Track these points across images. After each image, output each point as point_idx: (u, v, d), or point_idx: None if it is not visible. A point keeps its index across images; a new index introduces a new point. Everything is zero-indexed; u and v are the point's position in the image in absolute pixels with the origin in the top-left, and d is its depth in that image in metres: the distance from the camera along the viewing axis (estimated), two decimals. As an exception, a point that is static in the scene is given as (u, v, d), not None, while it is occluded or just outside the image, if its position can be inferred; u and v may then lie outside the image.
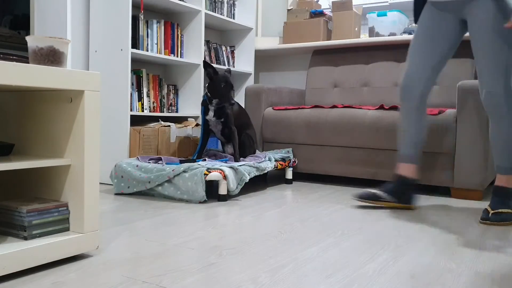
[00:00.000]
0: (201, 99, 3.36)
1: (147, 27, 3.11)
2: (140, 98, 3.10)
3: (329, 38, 3.79)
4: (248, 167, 2.56)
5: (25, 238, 1.32)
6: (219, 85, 2.67)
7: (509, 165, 2.06)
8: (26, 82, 1.22)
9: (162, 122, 3.08)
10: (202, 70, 3.38)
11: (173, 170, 2.37)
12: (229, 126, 2.79)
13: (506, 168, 2.07)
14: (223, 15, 3.78)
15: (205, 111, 2.78)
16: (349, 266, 1.41)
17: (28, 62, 1.35)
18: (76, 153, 1.40)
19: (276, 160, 2.89)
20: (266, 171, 2.71)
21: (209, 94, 2.74)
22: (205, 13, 3.46)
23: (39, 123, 1.49)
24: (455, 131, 2.63)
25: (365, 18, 3.86)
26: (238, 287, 1.22)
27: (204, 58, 3.59)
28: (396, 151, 2.81)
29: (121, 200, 2.37)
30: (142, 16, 3.04)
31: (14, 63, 1.19)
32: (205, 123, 2.81)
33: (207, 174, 2.32)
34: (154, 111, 3.21)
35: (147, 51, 3.10)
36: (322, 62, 3.76)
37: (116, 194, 2.53)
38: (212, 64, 2.74)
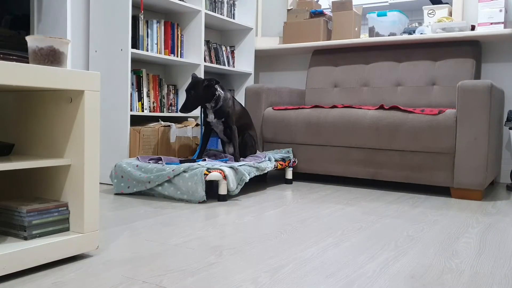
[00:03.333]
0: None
1: (147, 27, 3.11)
2: (140, 98, 3.10)
3: (329, 38, 3.79)
4: (248, 167, 2.56)
5: (25, 238, 1.32)
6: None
7: None
8: (26, 82, 1.22)
9: (162, 122, 3.08)
10: (202, 70, 3.38)
11: (173, 170, 2.37)
12: (230, 126, 2.79)
13: None
14: (223, 15, 3.77)
15: (204, 114, 2.80)
16: (349, 266, 1.41)
17: (28, 62, 1.35)
18: (76, 153, 1.40)
19: (276, 160, 2.89)
20: (266, 171, 2.71)
21: None
22: (205, 13, 3.46)
23: (39, 123, 1.49)
24: (455, 131, 2.63)
25: (365, 18, 3.86)
26: (238, 287, 1.22)
27: (204, 58, 3.59)
28: (395, 151, 2.81)
29: (121, 200, 2.37)
30: (142, 16, 3.04)
31: (14, 63, 1.19)
32: (206, 124, 2.82)
33: (207, 174, 2.32)
34: (154, 111, 3.21)
35: (147, 51, 3.10)
36: (322, 62, 3.76)
37: (116, 194, 2.53)
38: (195, 75, 2.79)
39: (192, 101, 2.69)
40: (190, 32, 3.41)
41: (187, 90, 2.70)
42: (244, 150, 2.95)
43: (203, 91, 2.69)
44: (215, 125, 2.81)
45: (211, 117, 2.77)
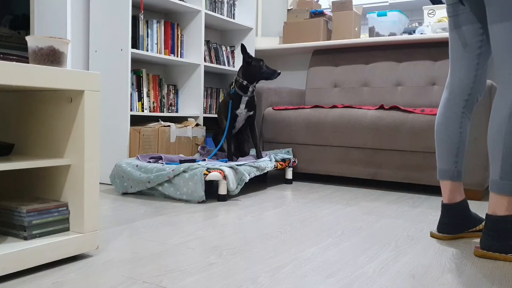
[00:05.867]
0: (201, 99, 3.37)
1: (147, 27, 3.11)
2: (140, 98, 3.10)
3: (329, 38, 3.79)
4: (248, 167, 2.56)
5: (25, 238, 1.32)
6: (259, 66, 2.79)
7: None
8: (26, 82, 1.22)
9: (162, 122, 3.08)
10: (202, 70, 3.38)
11: (173, 170, 2.36)
12: (253, 121, 2.88)
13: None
14: (223, 15, 3.77)
15: (233, 106, 2.80)
16: (349, 266, 1.41)
17: (28, 62, 1.35)
18: (76, 153, 1.40)
19: (276, 160, 2.89)
20: (266, 171, 2.71)
21: (245, 82, 2.79)
22: (205, 13, 3.46)
23: (39, 123, 1.49)
24: (455, 131, 2.62)
25: (365, 18, 3.86)
26: (238, 287, 1.22)
27: (204, 58, 3.59)
28: (396, 151, 2.81)
29: (121, 200, 2.37)
30: (142, 16, 3.04)
31: (14, 63, 1.19)
32: (232, 119, 2.84)
33: (207, 174, 2.32)
34: (154, 111, 3.21)
35: (147, 51, 3.10)
36: (322, 62, 3.76)
37: (123, 193, 2.53)
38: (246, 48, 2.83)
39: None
40: (190, 32, 3.41)
41: (261, 60, 2.81)
42: (243, 149, 2.97)
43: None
44: (240, 119, 2.84)
45: (242, 107, 2.80)
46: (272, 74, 2.80)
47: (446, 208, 1.75)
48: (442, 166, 1.76)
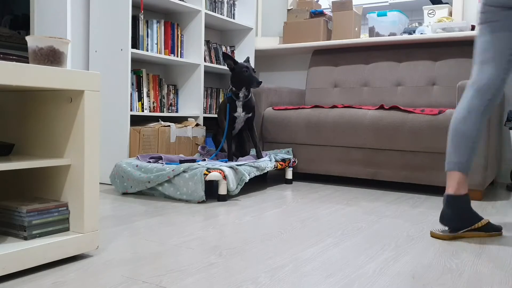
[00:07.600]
0: (201, 99, 3.37)
1: (147, 27, 3.11)
2: (140, 98, 3.10)
3: (329, 38, 3.79)
4: (248, 167, 2.56)
5: (25, 238, 1.32)
6: (241, 72, 2.74)
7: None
8: (26, 82, 1.22)
9: (162, 122, 3.08)
10: (202, 70, 3.38)
11: (173, 170, 2.36)
12: (252, 122, 2.86)
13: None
14: (223, 15, 3.77)
15: (231, 109, 2.80)
16: (349, 266, 1.41)
17: (28, 62, 1.35)
18: (76, 153, 1.40)
19: (276, 160, 2.89)
20: (266, 171, 2.71)
21: (234, 88, 2.79)
22: (205, 13, 3.46)
23: (39, 123, 1.49)
24: (455, 131, 2.62)
25: (365, 18, 3.86)
26: (238, 287, 1.22)
27: (204, 58, 3.59)
28: (396, 151, 2.81)
29: (121, 200, 2.37)
30: (142, 16, 3.04)
31: (14, 63, 1.19)
32: (231, 121, 2.83)
33: (207, 174, 2.32)
34: (154, 111, 3.21)
35: (147, 51, 3.10)
36: (322, 62, 3.76)
37: (123, 193, 2.53)
38: (231, 55, 2.79)
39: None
40: (190, 32, 3.41)
41: (248, 66, 2.76)
42: (244, 148, 2.97)
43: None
44: (239, 121, 2.84)
45: (239, 111, 2.80)
46: (251, 83, 2.74)
47: (450, 199, 1.76)
48: (454, 159, 1.79)
